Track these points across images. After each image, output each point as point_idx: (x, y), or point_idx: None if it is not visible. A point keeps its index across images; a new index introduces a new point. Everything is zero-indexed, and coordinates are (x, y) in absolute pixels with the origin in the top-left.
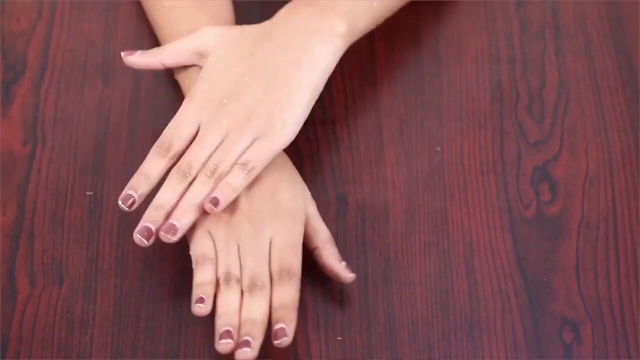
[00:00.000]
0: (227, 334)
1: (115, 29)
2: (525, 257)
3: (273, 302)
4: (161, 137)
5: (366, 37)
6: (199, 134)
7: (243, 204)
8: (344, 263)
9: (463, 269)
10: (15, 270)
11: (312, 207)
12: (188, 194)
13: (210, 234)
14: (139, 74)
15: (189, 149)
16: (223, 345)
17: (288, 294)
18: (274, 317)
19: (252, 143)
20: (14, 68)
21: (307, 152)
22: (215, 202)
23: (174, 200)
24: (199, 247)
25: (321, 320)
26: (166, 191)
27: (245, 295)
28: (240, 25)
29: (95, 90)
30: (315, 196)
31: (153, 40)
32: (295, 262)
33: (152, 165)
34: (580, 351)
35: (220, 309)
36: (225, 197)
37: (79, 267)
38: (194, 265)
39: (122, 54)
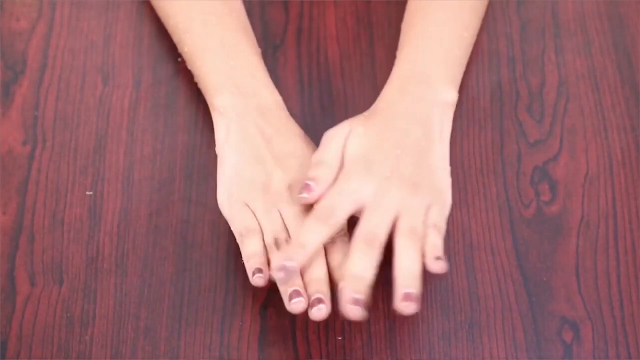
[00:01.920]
0: (297, 293)
1: (115, 29)
2: (525, 257)
3: (330, 262)
4: (321, 205)
5: (366, 38)
6: (370, 204)
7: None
8: None
9: (463, 268)
10: (15, 270)
11: None
12: (405, 266)
13: (248, 207)
14: (139, 73)
15: (365, 219)
16: (295, 304)
17: (343, 252)
18: (335, 276)
19: (427, 208)
20: (14, 68)
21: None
22: (440, 258)
23: (370, 273)
24: (239, 221)
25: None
26: (362, 264)
27: None
28: (351, 119)
29: (95, 90)
30: None
31: (153, 40)
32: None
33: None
34: (580, 351)
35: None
36: (440, 254)
37: (79, 267)
38: (238, 241)
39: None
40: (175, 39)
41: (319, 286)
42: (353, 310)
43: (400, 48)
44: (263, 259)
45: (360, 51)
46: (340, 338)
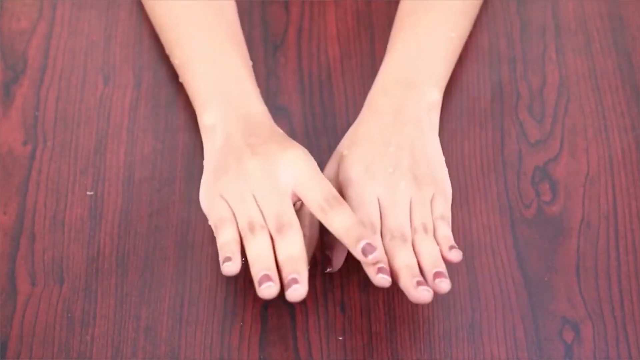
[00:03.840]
0: (266, 277)
1: (115, 29)
2: (526, 257)
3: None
4: (357, 220)
5: (366, 38)
6: (385, 202)
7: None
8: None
9: (464, 268)
10: (16, 270)
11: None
12: (427, 252)
13: (222, 197)
14: (139, 73)
15: (389, 217)
16: (265, 289)
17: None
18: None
19: (431, 201)
20: (14, 68)
21: (308, 151)
22: (454, 246)
23: (413, 260)
24: (214, 213)
25: (322, 320)
26: (399, 253)
27: (276, 237)
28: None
29: (95, 90)
30: None
31: (153, 40)
32: (316, 193)
33: (372, 245)
34: (581, 351)
35: (251, 257)
36: (453, 243)
37: (80, 267)
38: (215, 234)
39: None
40: (167, 50)
41: (293, 265)
42: (423, 293)
43: (387, 53)
44: (234, 247)
45: (361, 51)
46: (340, 338)
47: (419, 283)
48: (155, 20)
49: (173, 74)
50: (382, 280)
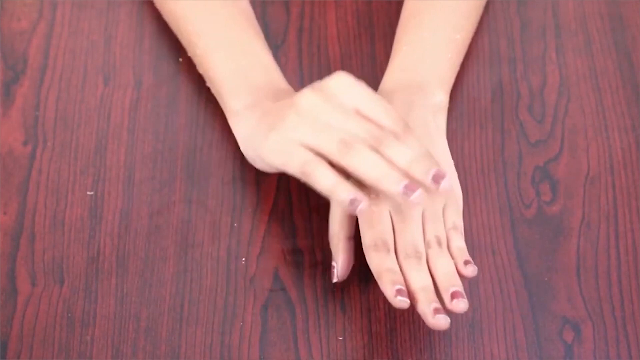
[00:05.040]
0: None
1: (116, 29)
2: (526, 257)
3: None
4: (369, 239)
5: (367, 38)
6: (399, 217)
7: None
8: None
9: None
10: (16, 270)
11: None
12: (443, 270)
13: (295, 140)
14: (139, 73)
15: (402, 234)
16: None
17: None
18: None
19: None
20: (15, 68)
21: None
22: (469, 261)
23: (429, 281)
24: (296, 158)
25: (322, 320)
26: (415, 275)
27: (392, 145)
28: None
29: (95, 90)
30: None
31: (154, 40)
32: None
33: (388, 265)
34: (581, 351)
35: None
36: (467, 257)
37: (80, 267)
38: (309, 180)
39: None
40: (185, 42)
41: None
42: (440, 320)
43: (392, 56)
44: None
45: (361, 51)
46: (341, 338)
47: (436, 310)
48: (170, 15)
49: (173, 74)
50: (401, 302)
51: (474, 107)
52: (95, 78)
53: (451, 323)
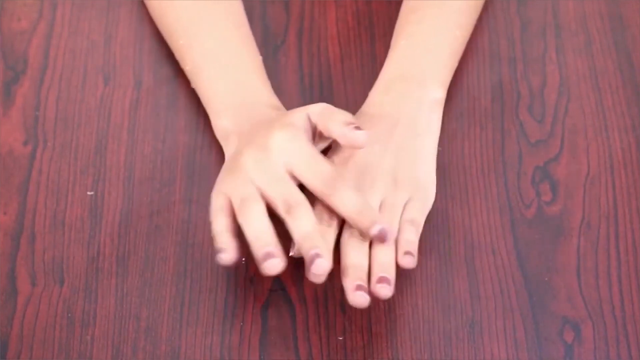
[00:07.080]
0: (269, 254)
1: (116, 29)
2: (526, 257)
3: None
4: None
5: (367, 38)
6: (359, 200)
7: None
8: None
9: (464, 268)
10: (16, 270)
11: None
12: (380, 256)
13: (223, 193)
14: (140, 73)
15: (358, 215)
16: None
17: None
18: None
19: (405, 203)
20: (15, 68)
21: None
22: (410, 253)
23: (364, 261)
24: (211, 206)
25: (322, 320)
26: (351, 252)
27: (287, 220)
28: None
29: (95, 90)
30: None
31: (154, 40)
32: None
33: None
34: (581, 351)
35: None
36: (411, 249)
37: (80, 267)
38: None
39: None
40: (177, 56)
41: (313, 242)
42: (358, 298)
43: (390, 48)
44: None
45: (362, 51)
46: (341, 338)
47: (358, 287)
48: (164, 27)
49: (173, 74)
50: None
51: (474, 107)
52: (95, 78)
53: (450, 323)
